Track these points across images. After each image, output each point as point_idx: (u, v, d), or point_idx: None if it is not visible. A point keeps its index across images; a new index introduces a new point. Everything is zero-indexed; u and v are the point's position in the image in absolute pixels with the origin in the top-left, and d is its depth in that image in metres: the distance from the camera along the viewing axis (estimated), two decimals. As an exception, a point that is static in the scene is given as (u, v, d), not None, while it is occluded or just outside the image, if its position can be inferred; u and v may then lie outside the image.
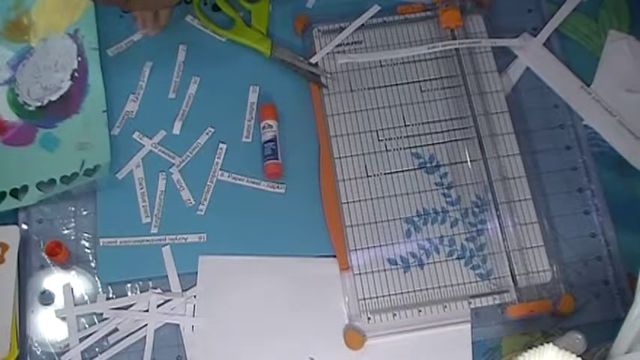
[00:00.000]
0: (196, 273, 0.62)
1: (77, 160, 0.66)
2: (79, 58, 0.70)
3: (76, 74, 0.69)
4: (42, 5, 0.72)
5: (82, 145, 0.66)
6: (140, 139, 0.67)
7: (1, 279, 0.61)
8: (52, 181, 0.65)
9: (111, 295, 0.62)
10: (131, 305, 0.62)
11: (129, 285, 0.62)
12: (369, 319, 0.60)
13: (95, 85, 0.68)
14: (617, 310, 0.61)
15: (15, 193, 0.65)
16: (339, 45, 0.69)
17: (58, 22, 0.71)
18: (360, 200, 0.63)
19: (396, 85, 0.68)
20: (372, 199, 0.64)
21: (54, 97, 0.68)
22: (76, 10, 0.71)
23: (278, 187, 0.65)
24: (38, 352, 0.60)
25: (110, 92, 0.68)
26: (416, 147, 0.65)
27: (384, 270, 0.61)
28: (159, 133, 0.67)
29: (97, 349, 0.60)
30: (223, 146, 0.67)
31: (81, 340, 0.61)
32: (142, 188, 0.65)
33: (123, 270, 0.63)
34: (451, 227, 0.63)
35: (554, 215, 0.64)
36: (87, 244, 0.64)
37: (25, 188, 0.65)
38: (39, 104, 0.68)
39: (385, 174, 0.64)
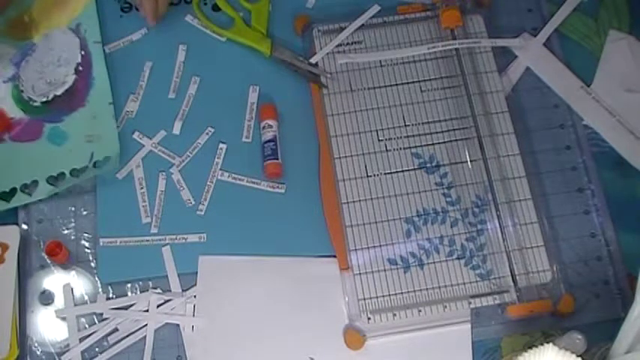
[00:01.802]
0: (196, 273, 0.62)
1: (86, 152, 0.66)
2: (83, 52, 0.70)
3: (80, 68, 0.69)
4: (42, 1, 0.72)
5: (90, 137, 0.66)
6: (140, 139, 0.67)
7: (1, 279, 0.61)
8: (62, 175, 0.65)
9: (111, 295, 0.62)
10: (131, 305, 0.62)
11: (129, 285, 0.62)
12: (369, 319, 0.60)
13: (100, 77, 0.68)
14: (617, 310, 0.61)
15: (25, 189, 0.65)
16: (339, 45, 0.69)
17: (59, 17, 0.71)
18: (360, 200, 0.63)
19: (396, 85, 0.68)
20: (372, 199, 0.63)
21: (59, 92, 0.68)
22: (76, 5, 0.71)
23: (278, 187, 0.65)
24: (38, 352, 0.60)
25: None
26: (416, 147, 0.65)
27: (384, 270, 0.61)
28: (159, 133, 0.67)
29: (97, 349, 0.60)
30: (223, 146, 0.67)
31: (81, 340, 0.61)
32: (142, 188, 0.65)
33: (123, 270, 0.63)
34: (451, 227, 0.63)
35: (554, 215, 0.64)
36: (87, 244, 0.64)
37: (35, 183, 0.65)
38: (44, 99, 0.68)
39: (385, 174, 0.64)
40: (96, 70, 0.69)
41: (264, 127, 0.66)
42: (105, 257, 0.63)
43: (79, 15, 0.71)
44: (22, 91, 0.69)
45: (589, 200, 0.65)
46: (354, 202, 0.63)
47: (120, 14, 0.72)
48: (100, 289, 0.62)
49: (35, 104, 0.68)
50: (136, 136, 0.67)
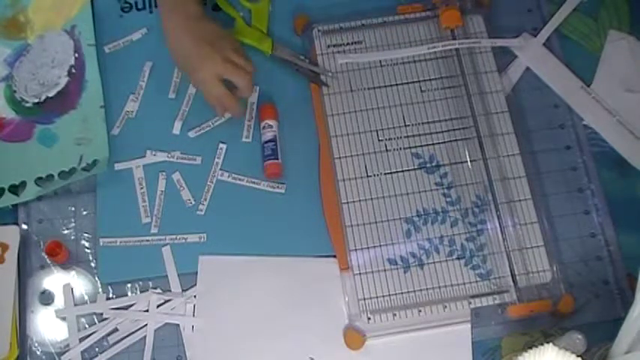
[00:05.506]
0: (196, 273, 0.62)
1: (75, 155, 0.66)
2: (76, 55, 0.70)
3: (74, 70, 0.69)
4: (38, 2, 0.72)
5: (80, 140, 0.67)
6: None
7: (1, 279, 0.61)
8: (50, 177, 0.65)
9: (111, 295, 0.62)
10: (131, 305, 0.62)
11: (129, 285, 0.62)
12: (369, 319, 0.60)
13: (92, 80, 0.68)
14: (617, 310, 0.61)
15: (13, 189, 0.65)
16: (340, 45, 0.69)
17: (54, 18, 0.71)
18: (360, 200, 0.63)
19: (396, 85, 0.68)
20: (372, 199, 0.63)
21: (51, 94, 0.68)
22: (72, 7, 0.71)
23: (278, 187, 0.65)
24: (38, 352, 0.60)
25: (110, 92, 0.68)
26: (416, 147, 0.65)
27: (384, 270, 0.61)
28: (159, 133, 0.67)
29: (97, 349, 0.60)
30: (223, 146, 0.67)
31: (81, 340, 0.61)
32: (142, 188, 0.65)
33: (123, 270, 0.63)
34: (451, 227, 0.63)
35: (554, 215, 0.64)
36: (87, 244, 0.64)
37: (23, 184, 0.65)
38: (36, 100, 0.68)
39: (385, 174, 0.64)
40: (89, 73, 0.69)
41: (264, 127, 0.66)
42: (105, 257, 0.63)
43: (75, 17, 0.71)
44: (14, 92, 0.69)
45: (589, 200, 0.65)
46: (354, 202, 0.63)
47: (120, 14, 0.72)
48: (100, 289, 0.62)
49: (27, 105, 0.69)
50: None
